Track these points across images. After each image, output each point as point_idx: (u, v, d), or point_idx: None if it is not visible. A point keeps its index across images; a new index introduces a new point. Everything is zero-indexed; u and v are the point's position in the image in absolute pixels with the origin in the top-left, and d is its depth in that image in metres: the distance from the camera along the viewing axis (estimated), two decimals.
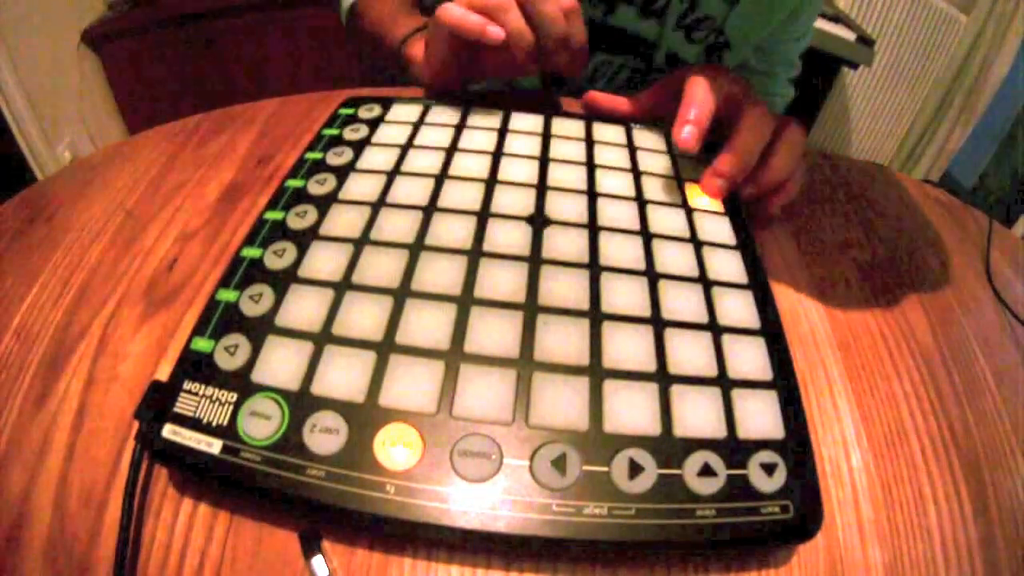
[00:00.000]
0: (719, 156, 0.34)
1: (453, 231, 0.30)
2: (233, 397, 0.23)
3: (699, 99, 0.34)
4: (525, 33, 0.36)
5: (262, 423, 0.22)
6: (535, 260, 0.28)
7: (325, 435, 0.22)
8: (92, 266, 0.32)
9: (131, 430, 0.24)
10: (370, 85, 0.48)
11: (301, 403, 0.22)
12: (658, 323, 0.26)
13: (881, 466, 0.26)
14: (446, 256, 0.28)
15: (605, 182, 0.34)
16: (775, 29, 0.50)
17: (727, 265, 0.30)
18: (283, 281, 0.27)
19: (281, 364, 0.24)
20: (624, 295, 0.27)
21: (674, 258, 0.30)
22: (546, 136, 0.38)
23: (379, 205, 0.31)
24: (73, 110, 1.41)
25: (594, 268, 0.28)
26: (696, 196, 0.34)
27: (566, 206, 0.32)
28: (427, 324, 0.25)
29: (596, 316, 0.26)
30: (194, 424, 0.22)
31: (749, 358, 0.26)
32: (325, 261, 0.28)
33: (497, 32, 0.35)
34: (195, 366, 0.24)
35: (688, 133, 0.33)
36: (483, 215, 0.31)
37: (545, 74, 0.46)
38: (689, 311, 0.27)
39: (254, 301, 0.26)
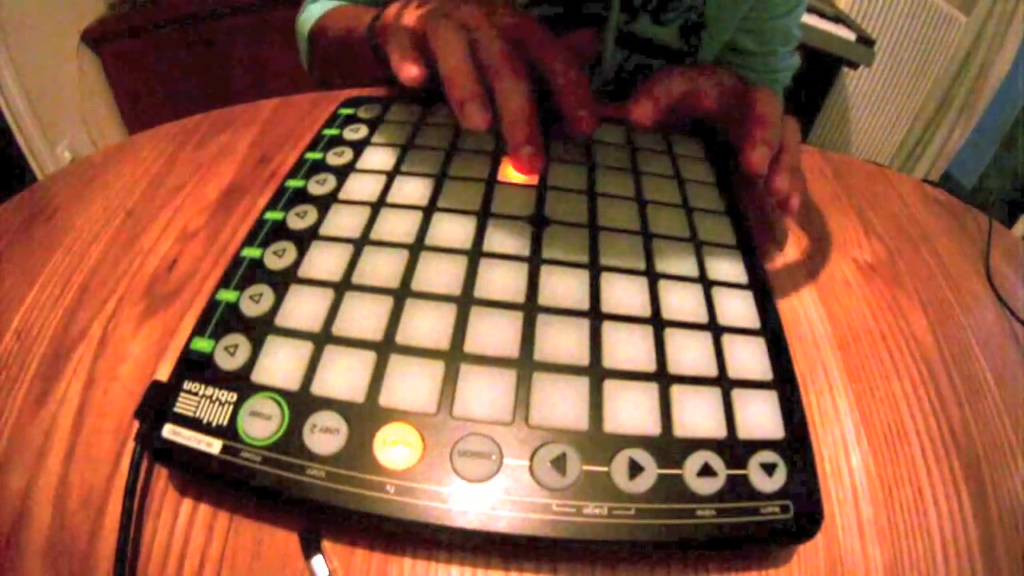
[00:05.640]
0: (749, 128, 0.32)
1: (453, 231, 0.30)
2: (233, 397, 0.23)
3: (664, 82, 0.35)
4: (460, 78, 0.30)
5: (262, 423, 0.22)
6: (535, 260, 0.28)
7: (325, 435, 0.22)
8: (92, 266, 0.32)
9: (131, 430, 0.24)
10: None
11: (301, 403, 0.22)
12: (658, 323, 0.26)
13: (881, 466, 0.26)
14: (446, 256, 0.28)
15: (605, 182, 0.34)
16: (759, 3, 0.49)
17: (727, 265, 0.30)
18: (283, 281, 0.27)
19: (281, 364, 0.24)
20: (624, 295, 0.27)
21: (674, 258, 0.30)
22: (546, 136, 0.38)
23: (379, 205, 0.31)
24: (73, 110, 1.41)
25: (594, 268, 0.28)
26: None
27: (566, 206, 0.32)
28: (427, 324, 0.25)
29: (596, 316, 0.26)
30: (194, 424, 0.22)
31: (749, 358, 0.26)
32: (325, 261, 0.28)
33: (411, 74, 0.31)
34: (195, 366, 0.24)
35: (644, 107, 0.33)
36: (483, 215, 0.31)
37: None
38: (689, 311, 0.27)
39: (254, 301, 0.26)
